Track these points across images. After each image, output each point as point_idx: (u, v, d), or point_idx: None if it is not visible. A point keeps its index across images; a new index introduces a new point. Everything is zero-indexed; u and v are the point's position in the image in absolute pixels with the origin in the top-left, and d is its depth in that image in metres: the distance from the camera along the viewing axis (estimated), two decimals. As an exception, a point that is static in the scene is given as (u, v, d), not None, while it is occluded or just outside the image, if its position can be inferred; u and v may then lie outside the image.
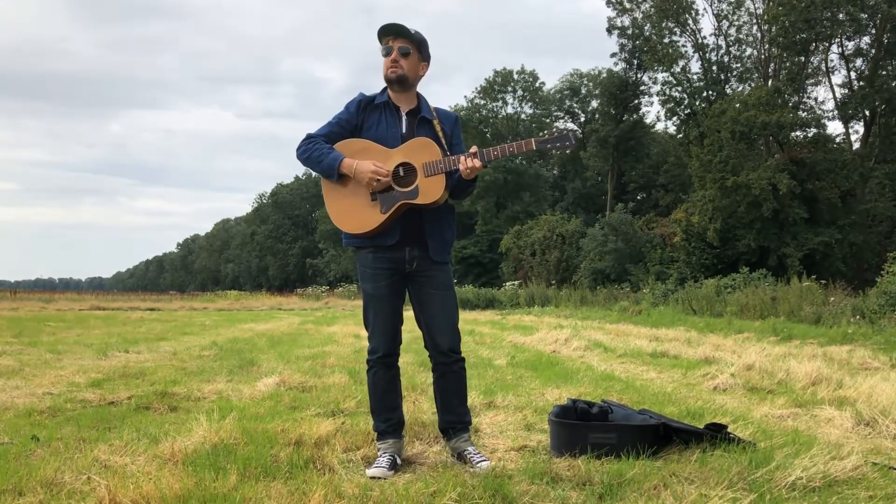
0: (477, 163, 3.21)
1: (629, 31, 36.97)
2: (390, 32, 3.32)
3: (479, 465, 3.22)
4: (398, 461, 3.32)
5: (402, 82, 3.33)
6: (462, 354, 3.49)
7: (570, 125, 54.73)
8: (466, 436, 3.46)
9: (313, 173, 72.18)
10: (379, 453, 3.35)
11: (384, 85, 3.43)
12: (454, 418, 3.46)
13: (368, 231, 3.28)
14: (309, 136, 3.37)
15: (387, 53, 3.33)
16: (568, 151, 3.29)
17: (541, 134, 3.35)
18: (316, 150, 3.31)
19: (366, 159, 3.27)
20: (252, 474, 3.03)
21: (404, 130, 3.36)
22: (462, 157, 3.23)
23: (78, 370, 6.58)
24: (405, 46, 3.31)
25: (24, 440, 3.68)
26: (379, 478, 3.12)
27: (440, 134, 3.38)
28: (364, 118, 3.39)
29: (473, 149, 3.24)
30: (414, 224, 3.32)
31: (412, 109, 3.41)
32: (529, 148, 3.27)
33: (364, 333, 3.57)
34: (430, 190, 3.24)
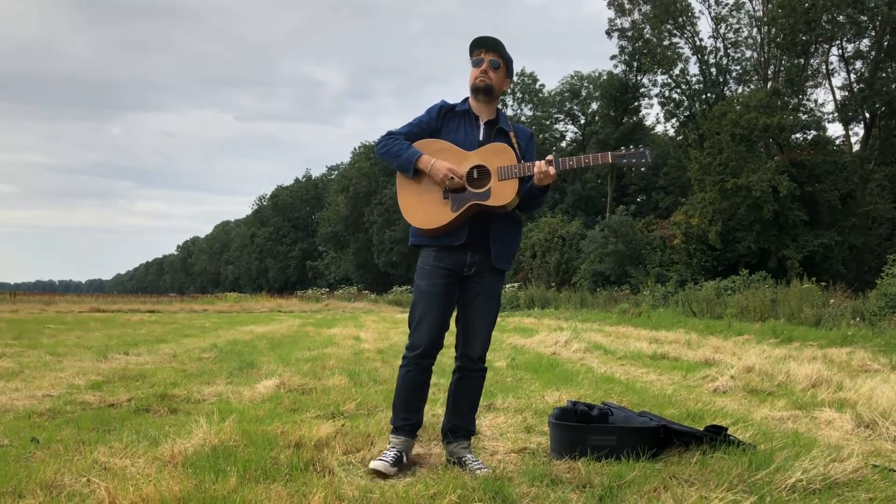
0: (551, 170, 3.27)
1: (629, 34, 36.99)
2: (484, 45, 3.45)
3: (477, 471, 3.22)
4: (404, 459, 3.34)
5: (488, 92, 3.44)
6: (486, 365, 3.53)
7: (571, 127, 54.82)
8: (467, 444, 3.46)
9: (313, 175, 71.81)
10: (389, 446, 3.37)
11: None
12: (460, 423, 3.47)
13: (437, 227, 3.33)
14: (390, 133, 3.48)
15: (477, 64, 3.44)
16: (643, 169, 3.34)
17: (619, 149, 3.41)
18: (395, 145, 3.41)
19: (442, 159, 3.35)
20: (252, 476, 3.03)
21: (481, 138, 3.45)
22: (538, 163, 3.29)
23: (78, 372, 6.58)
24: (496, 60, 3.44)
25: (24, 442, 3.68)
26: (379, 471, 3.13)
27: (515, 146, 3.45)
28: (443, 124, 3.49)
29: (549, 157, 3.32)
30: (481, 229, 3.37)
31: (491, 120, 3.51)
32: (605, 161, 3.35)
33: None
34: (502, 193, 3.29)
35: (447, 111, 3.51)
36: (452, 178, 3.29)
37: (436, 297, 3.37)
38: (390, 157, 3.42)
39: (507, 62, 3.49)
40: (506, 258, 3.45)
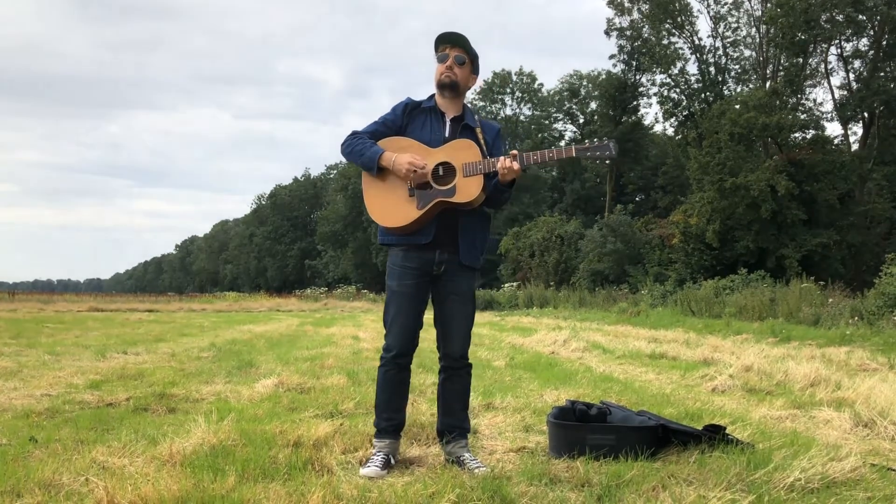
0: (515, 164, 3.25)
1: (628, 33, 36.99)
2: (449, 41, 3.42)
3: (476, 470, 3.22)
4: (392, 461, 3.33)
5: (453, 87, 3.42)
6: (470, 361, 3.52)
7: (570, 126, 54.82)
8: (464, 442, 3.46)
9: (312, 175, 71.72)
10: (374, 451, 3.36)
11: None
12: (454, 422, 3.47)
13: (404, 226, 3.32)
14: (354, 133, 3.47)
15: (442, 60, 3.42)
16: (608, 161, 3.33)
17: (583, 142, 3.39)
18: (359, 144, 3.40)
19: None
20: (250, 476, 3.02)
21: (447, 135, 3.43)
22: (501, 159, 3.28)
23: (76, 371, 6.57)
24: (461, 56, 3.41)
25: (23, 441, 3.67)
26: (372, 477, 3.13)
27: (482, 142, 3.43)
28: (409, 121, 3.48)
29: (513, 152, 3.29)
30: (448, 227, 3.36)
31: (457, 116, 3.49)
32: (569, 155, 3.33)
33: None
34: (468, 189, 3.28)
35: (413, 108, 3.49)
36: (415, 171, 3.27)
37: (407, 297, 3.37)
38: (354, 157, 3.40)
39: (473, 58, 3.46)
40: (474, 255, 3.44)
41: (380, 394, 3.45)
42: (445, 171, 3.32)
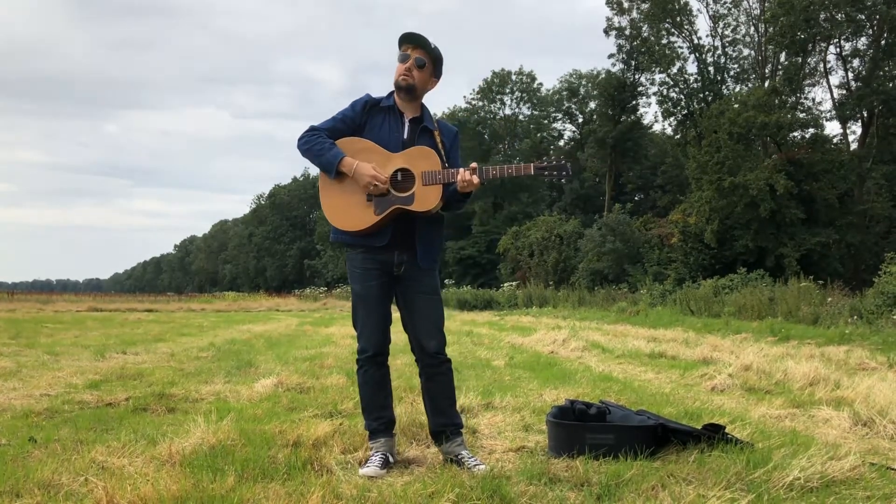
0: (475, 179, 3.25)
1: (627, 32, 36.99)
2: (410, 41, 3.38)
3: (475, 468, 3.22)
4: (391, 459, 3.34)
5: (409, 91, 3.39)
6: (448, 356, 3.51)
7: (569, 126, 54.81)
8: (460, 440, 3.46)
9: (311, 174, 71.69)
10: (371, 452, 3.36)
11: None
12: (445, 421, 3.46)
13: (360, 230, 3.32)
14: (312, 129, 3.41)
15: (402, 60, 3.39)
16: (563, 181, 3.36)
17: (541, 160, 3.40)
18: (317, 143, 3.34)
19: (366, 160, 3.30)
20: (250, 476, 3.02)
21: (405, 136, 3.40)
22: (461, 171, 3.26)
23: (75, 371, 6.57)
24: (422, 58, 3.37)
25: (22, 442, 3.67)
26: (372, 476, 3.12)
27: (440, 145, 3.42)
28: (368, 119, 3.44)
29: (473, 165, 3.28)
30: (405, 229, 3.35)
31: (415, 118, 3.46)
32: (528, 172, 3.34)
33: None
34: (427, 198, 3.27)
35: (372, 106, 3.45)
36: (376, 185, 3.26)
37: (372, 297, 3.37)
38: (312, 155, 3.35)
39: (435, 60, 3.42)
40: (431, 257, 3.43)
41: (364, 395, 3.45)
42: (404, 177, 3.31)
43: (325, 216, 3.40)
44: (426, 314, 3.42)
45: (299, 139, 3.40)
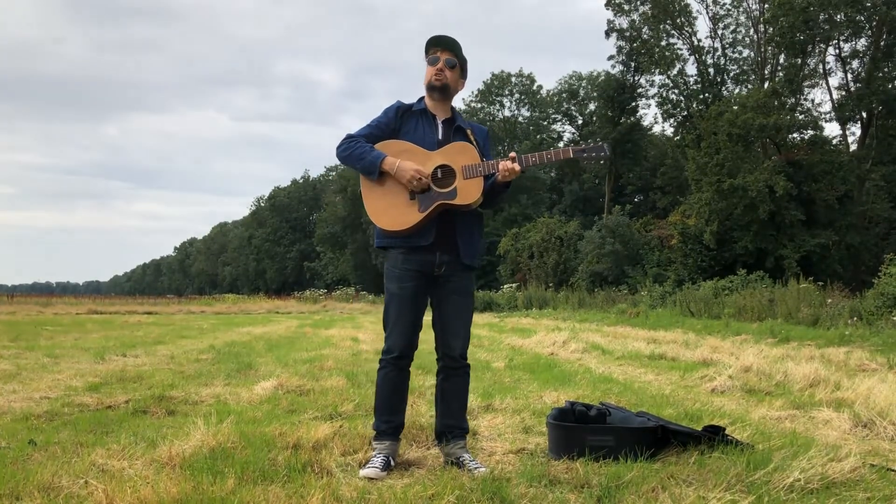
0: (516, 166, 3.31)
1: (627, 34, 37.03)
2: (440, 44, 3.46)
3: (475, 470, 3.22)
4: (392, 462, 3.33)
5: (444, 90, 3.46)
6: (469, 361, 3.53)
7: (568, 127, 54.86)
8: (463, 443, 3.46)
9: (311, 176, 71.57)
10: (374, 453, 3.36)
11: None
12: (453, 423, 3.47)
13: (406, 229, 3.34)
14: (349, 136, 3.46)
15: (433, 63, 3.46)
16: (602, 162, 3.41)
17: (578, 144, 3.43)
18: (357, 147, 3.40)
19: (406, 160, 3.35)
20: (250, 478, 3.02)
21: (440, 137, 3.47)
22: (501, 160, 3.33)
23: (75, 374, 6.57)
24: (452, 59, 3.46)
25: (22, 444, 3.67)
26: (372, 478, 3.12)
27: (474, 144, 3.47)
28: (402, 123, 3.50)
29: (512, 154, 3.35)
30: (447, 228, 3.39)
31: (448, 119, 3.53)
32: (567, 156, 3.42)
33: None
34: (469, 191, 3.32)
35: (404, 111, 3.52)
36: (420, 178, 3.30)
37: (407, 299, 3.38)
38: (353, 160, 3.40)
39: (463, 62, 3.51)
40: (473, 254, 3.47)
41: (379, 396, 3.45)
42: (444, 174, 3.35)
43: (370, 218, 3.43)
44: (457, 315, 3.45)
45: (338, 147, 3.46)
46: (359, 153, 3.38)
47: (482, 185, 3.34)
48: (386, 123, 3.48)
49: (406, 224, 3.33)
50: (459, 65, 3.48)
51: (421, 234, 3.35)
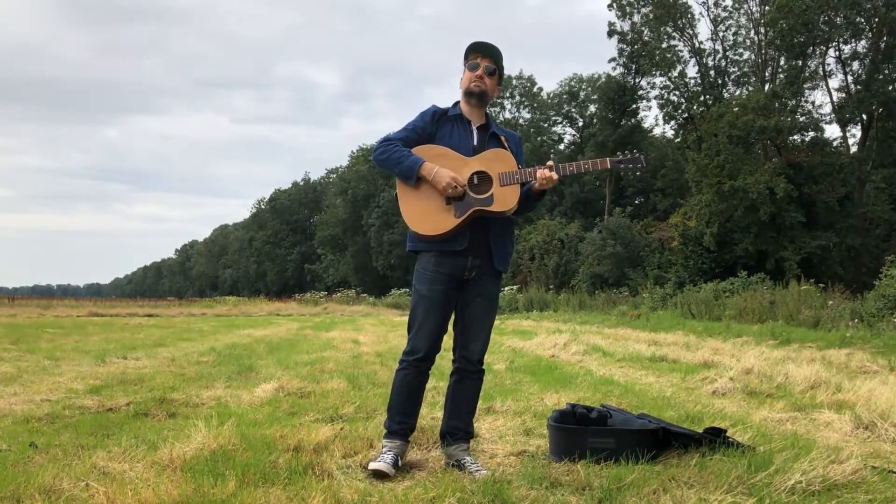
0: (554, 175, 3.34)
1: (628, 36, 37.04)
2: (481, 50, 3.48)
3: (476, 473, 3.22)
4: (399, 462, 3.34)
5: (482, 97, 3.50)
6: (484, 367, 3.54)
7: (569, 129, 54.87)
8: (466, 446, 3.46)
9: (312, 179, 71.62)
10: (384, 450, 3.36)
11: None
12: (459, 425, 3.47)
13: (441, 234, 3.35)
14: (387, 139, 3.48)
15: (473, 69, 3.47)
16: (639, 173, 3.45)
17: (616, 154, 3.48)
18: (395, 152, 3.41)
19: (443, 165, 3.36)
20: (251, 480, 3.02)
21: (475, 143, 3.48)
22: (538, 169, 3.35)
23: (76, 376, 6.57)
24: (491, 66, 3.48)
25: (23, 447, 3.67)
26: (381, 471, 3.14)
27: (507, 150, 3.48)
28: (437, 128, 3.51)
29: (549, 163, 3.39)
30: (480, 233, 3.40)
31: (483, 125, 3.55)
32: (604, 166, 3.46)
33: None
34: (505, 199, 3.34)
35: (440, 115, 3.53)
36: (455, 186, 3.31)
37: (436, 302, 3.39)
38: (391, 164, 3.41)
39: (501, 71, 3.53)
40: (505, 260, 3.50)
41: (395, 396, 3.45)
42: (480, 180, 3.37)
43: (406, 222, 3.43)
44: (480, 319, 3.46)
45: (375, 150, 3.48)
46: (397, 157, 3.39)
47: (518, 193, 3.36)
48: (423, 127, 3.49)
49: (442, 229, 3.35)
50: (498, 72, 3.51)
51: (455, 239, 3.36)
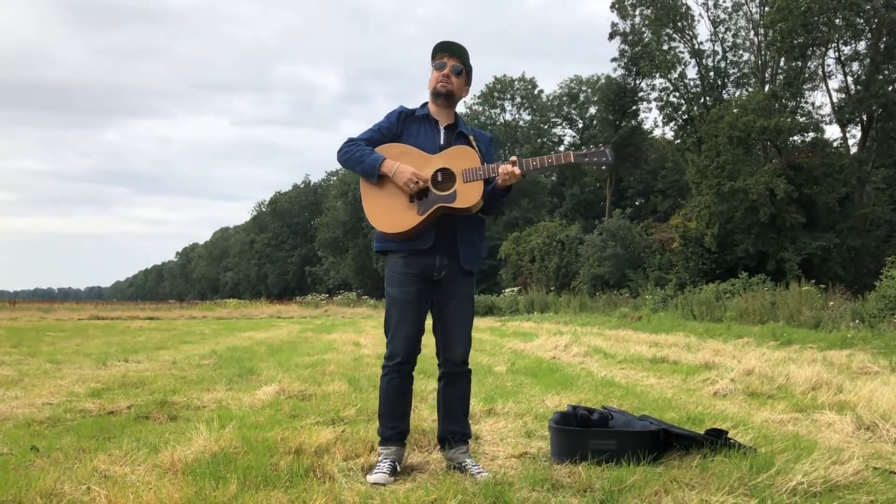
0: (516, 170, 3.29)
1: (630, 38, 37.06)
2: (447, 50, 3.46)
3: (477, 475, 3.21)
4: (398, 468, 3.33)
5: (448, 97, 3.46)
6: (470, 366, 3.52)
7: (569, 131, 54.90)
8: (465, 448, 3.46)
9: (312, 181, 71.68)
10: (380, 459, 3.35)
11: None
12: (456, 428, 3.46)
13: (404, 231, 3.33)
14: (350, 140, 3.47)
15: (439, 68, 3.45)
16: (604, 167, 3.40)
17: (580, 148, 3.44)
18: (357, 151, 3.40)
19: (406, 163, 3.35)
20: (252, 483, 3.02)
21: (442, 142, 3.46)
22: (501, 164, 3.32)
23: (77, 380, 6.57)
24: (458, 65, 3.45)
25: (24, 450, 3.67)
26: (380, 484, 3.12)
27: (476, 149, 3.46)
28: (404, 128, 3.50)
29: (513, 158, 3.34)
30: (447, 232, 3.38)
31: (450, 124, 3.53)
32: (568, 160, 3.38)
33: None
34: (468, 195, 3.30)
35: (406, 116, 3.52)
36: (417, 181, 3.29)
37: (409, 304, 3.37)
38: (353, 163, 3.40)
39: (469, 70, 3.51)
40: (473, 260, 3.46)
41: (383, 403, 3.44)
42: (444, 177, 3.34)
43: (369, 221, 3.42)
44: (458, 320, 3.43)
45: (339, 151, 3.46)
46: (358, 156, 3.38)
47: (482, 189, 3.32)
48: (388, 128, 3.48)
49: (405, 226, 3.32)
50: (466, 72, 3.48)
51: (420, 237, 3.34)
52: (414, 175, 3.29)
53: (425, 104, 3.56)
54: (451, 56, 3.45)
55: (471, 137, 3.49)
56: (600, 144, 3.44)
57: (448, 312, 3.43)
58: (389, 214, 3.35)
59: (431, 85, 3.48)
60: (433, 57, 3.48)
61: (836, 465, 3.17)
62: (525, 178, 3.43)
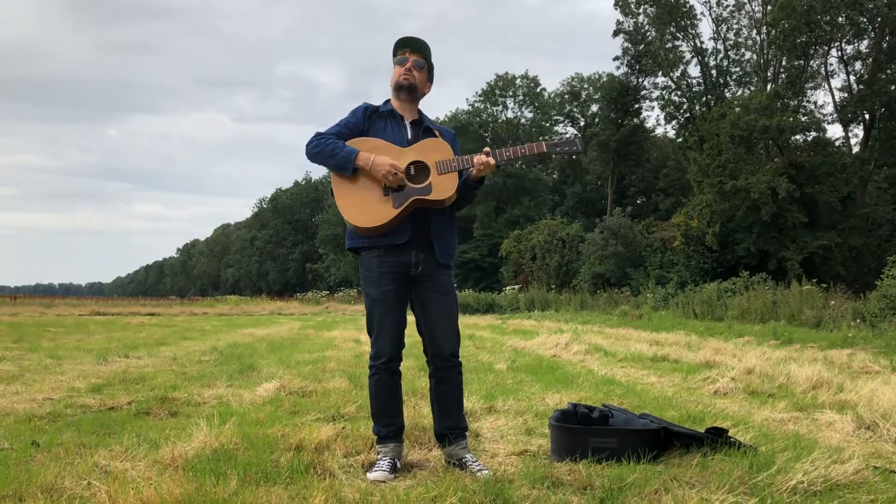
0: (491, 160, 3.30)
1: (632, 36, 36.99)
2: (409, 45, 3.47)
3: (478, 472, 3.21)
4: (398, 465, 3.33)
5: (411, 90, 3.46)
6: (460, 360, 3.50)
7: (570, 129, 54.80)
8: (464, 443, 3.45)
9: (313, 178, 71.40)
10: (379, 457, 3.35)
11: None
12: (452, 424, 3.45)
13: (380, 225, 3.29)
14: (319, 134, 3.42)
15: (401, 63, 3.46)
16: (575, 157, 3.39)
17: (551, 138, 3.42)
18: (329, 144, 3.36)
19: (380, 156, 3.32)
20: (252, 479, 3.02)
21: (409, 137, 3.45)
22: (475, 155, 3.32)
23: (78, 375, 6.57)
24: (420, 61, 3.47)
25: (25, 446, 3.67)
26: (381, 481, 3.12)
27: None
28: (370, 125, 3.47)
29: (487, 149, 3.34)
30: (421, 227, 3.36)
31: (415, 120, 3.52)
32: (540, 150, 3.38)
33: (365, 338, 3.57)
34: (443, 187, 3.29)
35: (372, 112, 3.51)
36: (395, 174, 3.27)
37: (389, 302, 3.37)
38: (324, 157, 3.35)
39: (430, 67, 3.52)
40: (449, 253, 3.45)
41: (374, 402, 3.44)
42: (417, 170, 3.33)
43: (343, 216, 3.37)
44: (441, 314, 3.41)
45: (307, 145, 3.41)
46: (330, 149, 3.33)
47: (457, 181, 3.32)
48: (355, 124, 3.45)
49: (380, 220, 3.28)
50: (427, 68, 3.49)
51: (396, 231, 3.32)
52: (393, 167, 3.27)
53: (388, 101, 3.54)
54: (412, 52, 3.46)
55: (436, 133, 3.48)
56: (572, 135, 3.44)
57: (431, 308, 3.41)
58: (363, 208, 3.31)
59: (394, 79, 3.47)
60: (395, 53, 3.49)
61: (837, 464, 3.17)
62: (499, 168, 3.45)
